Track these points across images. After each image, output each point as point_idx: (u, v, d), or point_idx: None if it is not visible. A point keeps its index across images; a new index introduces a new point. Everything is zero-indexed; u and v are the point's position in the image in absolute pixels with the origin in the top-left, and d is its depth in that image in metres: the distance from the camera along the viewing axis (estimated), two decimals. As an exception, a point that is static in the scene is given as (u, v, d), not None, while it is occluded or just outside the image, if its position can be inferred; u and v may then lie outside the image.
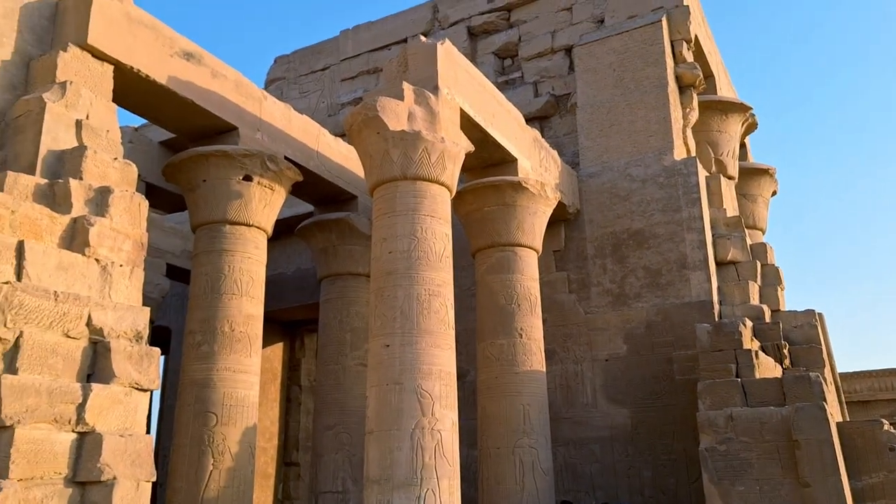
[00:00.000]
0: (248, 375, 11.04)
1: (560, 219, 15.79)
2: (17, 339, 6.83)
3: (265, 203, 11.98)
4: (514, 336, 12.94)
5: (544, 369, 13.30)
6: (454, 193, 11.48)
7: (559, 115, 18.11)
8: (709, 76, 19.44)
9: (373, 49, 20.85)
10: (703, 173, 15.97)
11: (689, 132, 17.18)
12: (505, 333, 12.96)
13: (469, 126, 12.16)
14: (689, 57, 17.29)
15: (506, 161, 13.73)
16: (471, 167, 13.59)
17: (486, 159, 13.62)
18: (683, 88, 17.27)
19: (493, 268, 13.39)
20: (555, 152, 15.59)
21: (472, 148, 11.68)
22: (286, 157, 12.51)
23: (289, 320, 19.29)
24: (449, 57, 11.67)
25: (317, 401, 14.30)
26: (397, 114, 10.64)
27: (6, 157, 8.69)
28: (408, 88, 10.87)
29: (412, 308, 10.04)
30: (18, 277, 7.15)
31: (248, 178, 11.74)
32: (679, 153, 16.18)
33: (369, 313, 10.59)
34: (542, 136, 16.45)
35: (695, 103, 17.33)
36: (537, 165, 14.51)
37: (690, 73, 17.04)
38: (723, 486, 11.06)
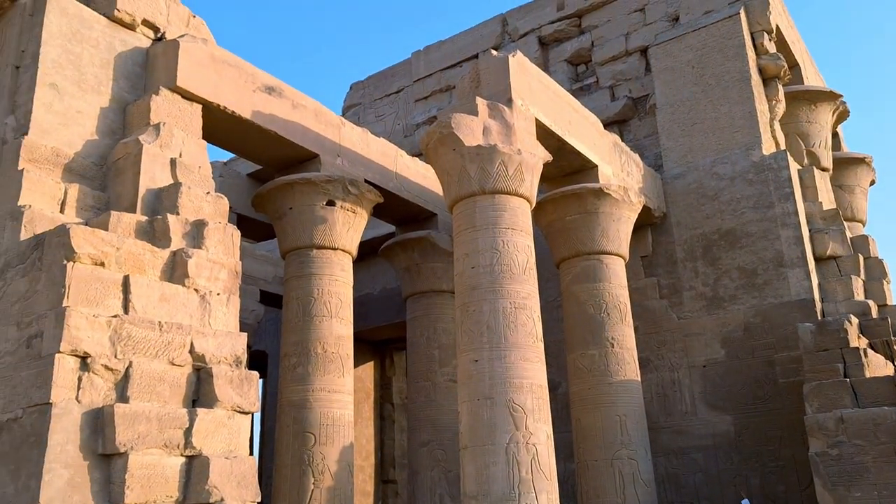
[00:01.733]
0: (342, 395, 11.27)
1: (646, 223, 15.45)
2: (128, 368, 7.21)
3: (349, 226, 12.25)
4: (605, 346, 12.69)
5: (639, 378, 12.98)
6: (534, 204, 11.42)
7: (638, 117, 17.77)
8: (793, 66, 18.66)
9: (444, 67, 21.09)
10: (794, 166, 15.30)
11: (776, 125, 16.51)
12: (595, 343, 12.74)
13: (545, 135, 12.09)
14: (772, 48, 16.66)
15: (585, 168, 13.56)
16: (550, 177, 13.50)
17: (565, 168, 13.49)
18: (767, 80, 16.64)
19: (579, 277, 13.21)
20: (636, 156, 15.29)
21: (549, 157, 11.61)
22: (366, 181, 12.78)
23: (378, 339, 19.59)
24: (521, 68, 11.67)
25: (409, 418, 14.43)
26: (472, 129, 10.70)
27: (109, 198, 9.23)
28: (481, 103, 10.93)
29: (498, 322, 10.01)
30: (126, 310, 7.57)
31: (331, 203, 12.05)
32: (768, 147, 15.56)
33: (456, 329, 10.63)
34: (622, 140, 16.17)
35: (781, 95, 16.66)
36: (619, 170, 14.26)
37: (774, 64, 16.41)
38: (837, 493, 10.46)
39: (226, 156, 18.75)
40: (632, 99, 17.82)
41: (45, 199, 8.47)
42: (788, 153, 15.18)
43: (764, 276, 14.36)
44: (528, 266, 10.52)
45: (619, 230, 13.46)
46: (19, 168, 8.38)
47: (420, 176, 14.47)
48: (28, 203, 8.21)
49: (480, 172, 10.60)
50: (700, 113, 16.12)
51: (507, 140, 10.79)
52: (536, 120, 11.67)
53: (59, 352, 6.77)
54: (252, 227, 14.76)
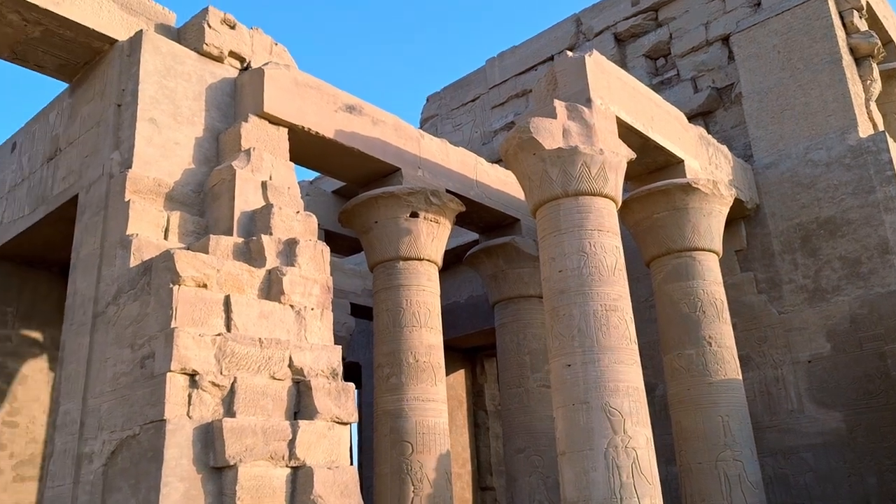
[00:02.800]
0: (436, 404, 11.40)
1: (738, 216, 14.92)
2: (233, 384, 7.55)
3: (433, 236, 12.40)
4: (703, 345, 12.32)
5: (740, 377, 12.53)
6: (620, 204, 11.24)
7: (723, 107, 17.21)
8: (887, 42, 17.64)
9: (519, 72, 21.05)
10: (895, 148, 14.45)
11: (872, 105, 15.65)
12: (692, 343, 12.39)
13: (627, 133, 11.89)
14: (863, 25, 15.82)
15: (671, 163, 13.24)
16: (635, 175, 13.25)
17: (650, 164, 13.22)
18: (860, 60, 15.81)
19: (671, 276, 12.89)
20: (724, 147, 14.81)
21: (633, 155, 11.41)
22: (448, 190, 12.90)
23: (467, 347, 19.68)
24: (598, 67, 11.53)
25: (504, 424, 14.41)
26: (551, 132, 10.65)
27: (208, 223, 9.69)
28: (559, 105, 10.86)
29: (590, 325, 9.90)
30: (228, 328, 7.92)
31: (414, 215, 12.23)
32: (864, 129, 14.76)
33: (546, 334, 10.57)
34: (708, 133, 15.70)
35: (875, 74, 15.78)
36: (706, 164, 13.85)
37: (866, 42, 15.58)
38: (968, 494, 9.77)
39: (311, 175, 19.32)
40: (716, 89, 17.28)
41: (150, 227, 8.98)
42: (887, 134, 14.35)
43: (868, 264, 13.61)
44: (616, 267, 10.36)
45: (710, 225, 13.06)
46: (126, 199, 8.92)
47: (501, 182, 14.49)
48: (135, 232, 8.73)
49: (562, 175, 10.53)
50: (789, 99, 15.47)
51: (587, 141, 10.68)
52: (617, 118, 11.50)
53: (170, 370, 7.15)
54: (339, 243, 15.14)
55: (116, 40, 10.07)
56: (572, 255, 10.26)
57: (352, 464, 8.36)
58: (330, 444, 7.96)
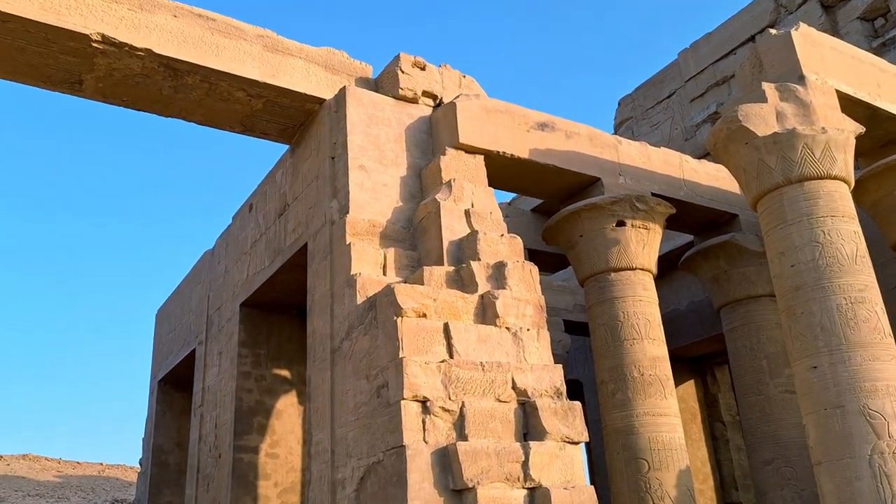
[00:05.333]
0: (668, 418, 10.89)
1: None
2: (461, 408, 7.77)
3: (643, 244, 11.97)
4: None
5: None
6: (853, 184, 10.11)
7: (966, 58, 14.93)
8: None
9: (716, 60, 19.84)
10: None
11: None
12: (963, 330, 10.71)
13: (851, 106, 10.71)
14: None
15: (908, 131, 11.70)
16: (865, 150, 11.88)
17: (882, 137, 11.78)
18: None
19: (926, 256, 11.31)
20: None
21: (861, 129, 10.24)
22: (653, 194, 12.42)
23: (694, 356, 18.64)
24: (807, 40, 10.55)
25: (746, 435, 13.40)
26: (763, 117, 9.88)
27: (419, 255, 10.16)
28: (769, 88, 10.06)
29: (833, 321, 8.95)
30: (450, 355, 8.19)
31: (621, 224, 11.90)
32: None
33: (784, 336, 9.72)
34: (950, 89, 13.66)
35: None
36: (953, 125, 12.05)
37: None
38: None
39: (508, 196, 19.59)
40: (954, 38, 15.06)
41: (370, 265, 9.60)
42: None
43: None
44: (858, 254, 9.29)
45: (968, 194, 11.31)
46: (347, 242, 9.63)
47: (711, 178, 13.67)
48: (358, 271, 9.37)
49: (782, 162, 9.70)
50: None
51: (806, 121, 9.76)
52: (837, 91, 10.41)
53: (403, 398, 7.54)
54: (544, 260, 15.13)
55: (324, 99, 10.99)
56: (804, 248, 9.37)
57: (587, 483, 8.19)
58: (563, 464, 7.88)
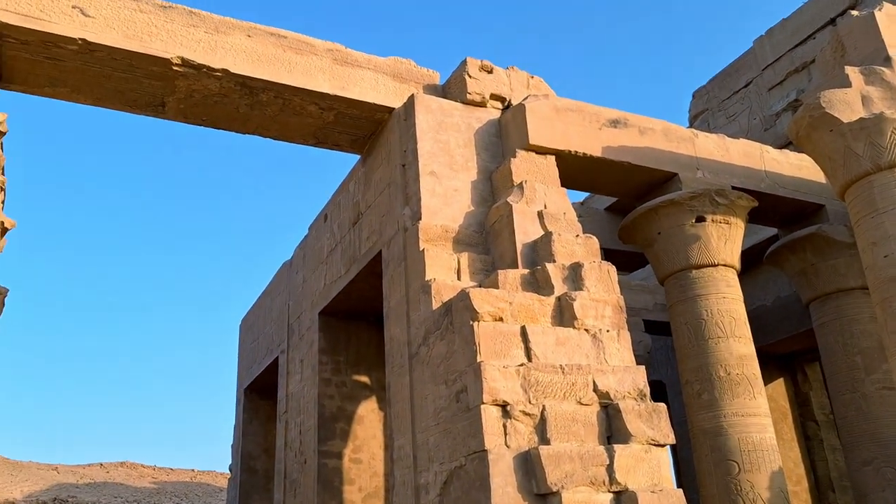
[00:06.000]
0: (757, 418, 10.49)
1: None
2: (542, 412, 7.70)
3: (724, 239, 11.59)
4: None
5: None
6: (950, 167, 9.52)
7: None
8: None
9: (794, 46, 19.04)
10: None
11: None
12: None
13: (946, 83, 10.08)
14: None
15: None
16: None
17: (982, 114, 11.03)
18: None
19: None
20: None
21: (958, 107, 9.64)
22: (733, 187, 12.02)
23: (782, 353, 17.91)
24: (892, 20, 10.01)
25: (842, 435, 12.78)
26: (848, 103, 9.43)
27: (493, 259, 10.14)
28: (852, 71, 9.60)
29: (935, 312, 8.43)
30: (528, 358, 8.13)
31: (700, 219, 11.56)
32: None
33: (880, 330, 9.23)
34: None
35: None
36: None
37: None
38: None
39: (580, 196, 19.32)
40: None
41: (444, 271, 9.65)
42: None
43: None
44: (959, 241, 8.74)
45: None
46: (420, 248, 9.71)
47: (794, 168, 13.13)
48: (433, 277, 9.43)
49: (870, 148, 9.23)
50: None
51: (894, 104, 9.26)
52: (928, 69, 9.82)
53: (483, 403, 7.52)
54: (619, 259, 14.82)
55: (393, 108, 11.12)
56: (898, 236, 8.88)
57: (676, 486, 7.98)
58: (649, 467, 7.70)
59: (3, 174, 9.71)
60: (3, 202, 9.74)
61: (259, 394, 18.63)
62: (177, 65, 9.73)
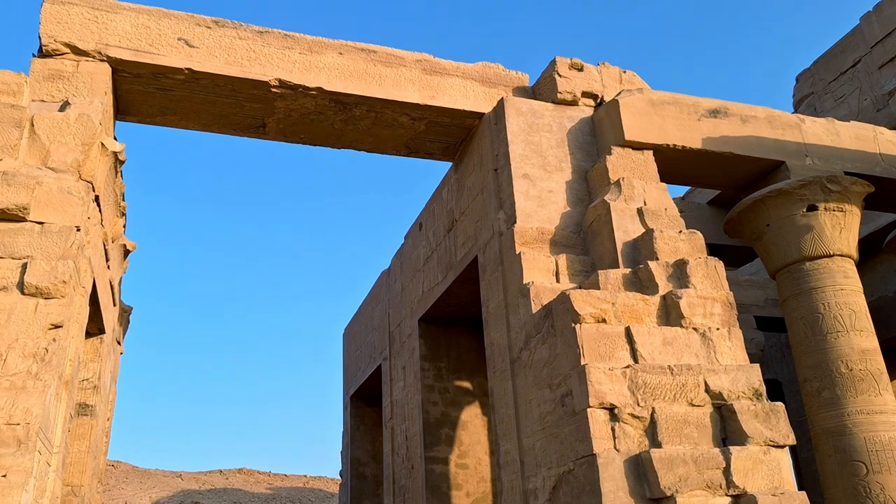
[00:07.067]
0: (885, 416, 9.82)
1: None
2: (652, 414, 7.49)
3: (839, 227, 10.94)
4: None
5: None
6: None
7: None
8: None
9: (906, 17, 17.81)
10: None
11: None
12: None
13: None
14: None
15: None
16: None
17: None
18: None
19: None
20: None
21: None
22: (846, 173, 11.35)
23: (909, 347, 16.71)
24: None
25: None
26: (974, 72, 8.71)
27: (592, 260, 9.98)
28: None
29: None
30: (635, 359, 7.94)
31: (811, 208, 10.97)
32: None
33: None
34: None
35: None
36: None
37: None
38: None
39: (680, 191, 18.74)
40: None
41: (542, 274, 9.57)
42: None
43: None
44: None
45: None
46: (517, 252, 9.67)
47: (913, 148, 12.26)
48: (531, 280, 9.37)
49: None
50: None
51: None
52: None
53: (589, 406, 7.40)
54: (724, 254, 14.29)
55: (483, 113, 11.15)
56: None
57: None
58: (768, 469, 7.35)
59: (123, 200, 10.38)
60: (124, 226, 10.41)
61: (364, 401, 19.05)
62: (275, 86, 10.12)
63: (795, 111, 20.78)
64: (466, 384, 13.96)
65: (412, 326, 14.33)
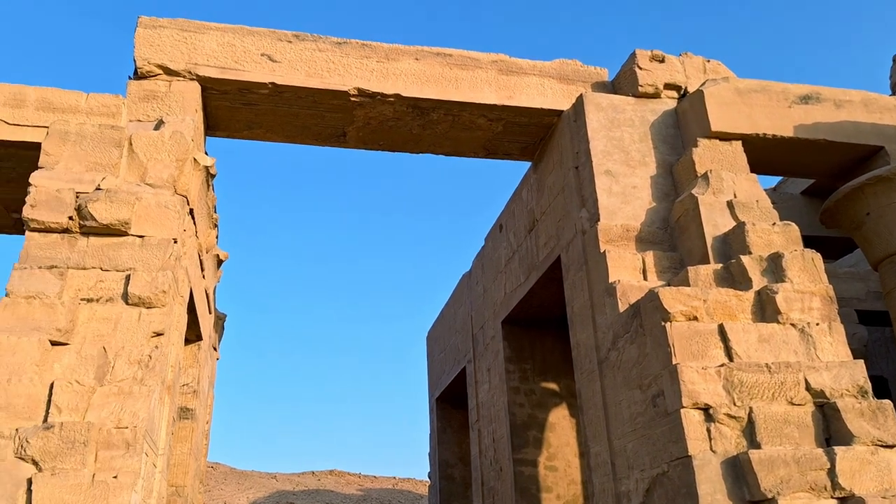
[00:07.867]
0: None
1: None
2: (749, 414, 7.21)
3: (950, 213, 10.25)
4: None
5: None
6: None
7: None
8: None
9: None
10: None
11: None
12: None
13: None
14: None
15: None
16: None
17: None
18: None
19: None
20: None
21: None
22: (956, 154, 10.62)
23: None
24: None
25: None
26: None
27: (681, 256, 9.70)
28: None
29: None
30: (729, 358, 7.67)
31: (917, 194, 10.32)
32: None
33: None
34: None
35: None
36: None
37: None
38: None
39: (771, 181, 17.98)
40: None
41: (628, 272, 9.37)
42: None
43: None
44: None
45: None
46: (601, 250, 9.51)
47: None
48: (617, 278, 9.20)
49: None
50: None
51: None
52: None
53: (682, 407, 7.19)
54: (824, 246, 13.64)
55: (561, 111, 11.03)
56: None
57: (911, 494, 7.13)
58: (877, 470, 6.95)
59: (215, 212, 10.81)
60: (216, 237, 10.85)
61: (450, 403, 19.15)
62: (354, 95, 10.32)
63: (893, 94, 19.62)
64: (553, 386, 13.83)
65: (495, 328, 14.31)
